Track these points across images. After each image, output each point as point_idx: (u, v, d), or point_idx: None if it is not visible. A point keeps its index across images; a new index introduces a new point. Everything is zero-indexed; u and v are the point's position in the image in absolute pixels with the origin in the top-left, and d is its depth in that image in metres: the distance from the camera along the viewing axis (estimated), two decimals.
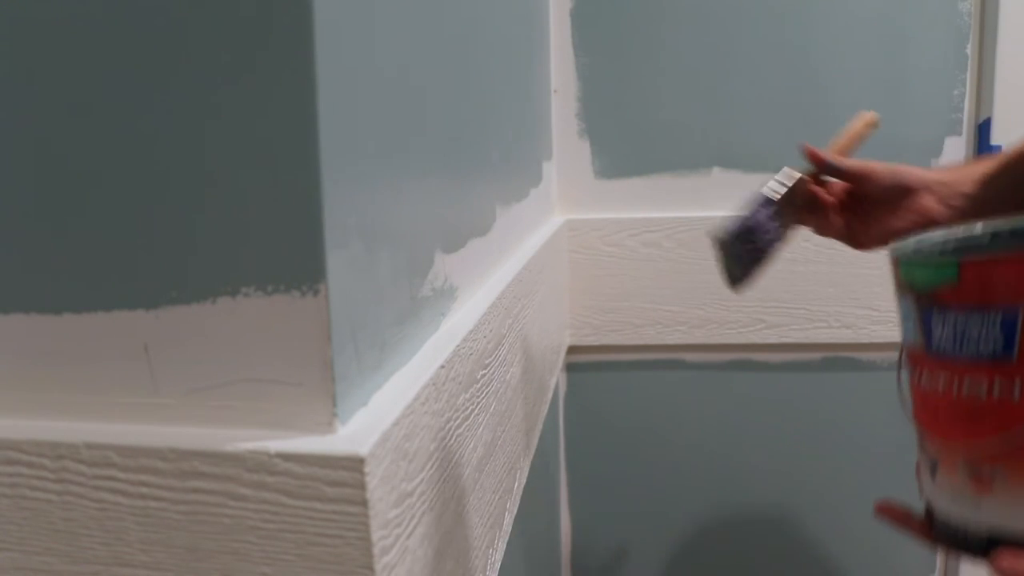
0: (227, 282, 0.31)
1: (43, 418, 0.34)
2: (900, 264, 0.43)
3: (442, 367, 0.42)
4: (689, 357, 1.22)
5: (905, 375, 0.46)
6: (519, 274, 0.70)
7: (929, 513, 0.44)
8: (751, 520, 1.27)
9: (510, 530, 0.66)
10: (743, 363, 1.21)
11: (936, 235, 0.47)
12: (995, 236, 0.43)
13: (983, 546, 0.40)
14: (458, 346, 0.46)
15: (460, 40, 0.55)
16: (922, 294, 0.41)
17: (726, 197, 1.16)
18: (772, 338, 1.18)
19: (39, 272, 0.33)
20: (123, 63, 0.30)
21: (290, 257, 0.31)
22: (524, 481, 0.75)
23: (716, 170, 1.16)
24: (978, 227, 0.45)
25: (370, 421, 0.33)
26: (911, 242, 0.46)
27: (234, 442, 0.31)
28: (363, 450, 0.30)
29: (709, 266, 1.16)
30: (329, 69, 0.31)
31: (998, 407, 0.39)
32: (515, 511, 0.70)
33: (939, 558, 1.25)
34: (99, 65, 0.30)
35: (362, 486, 0.30)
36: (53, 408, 0.34)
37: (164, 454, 0.31)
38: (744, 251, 0.64)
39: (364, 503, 0.31)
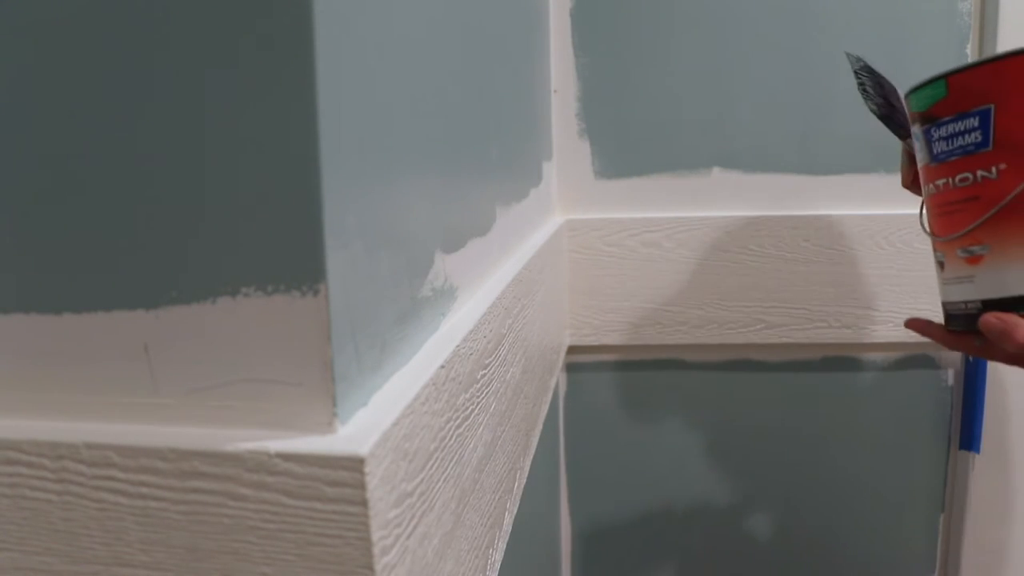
0: (227, 282, 0.31)
1: (43, 418, 0.34)
2: (909, 98, 0.53)
3: (442, 367, 0.42)
4: (689, 357, 1.22)
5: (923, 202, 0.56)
6: (519, 274, 0.70)
7: (945, 313, 0.54)
8: (751, 519, 1.27)
9: (510, 530, 0.66)
10: (743, 363, 1.21)
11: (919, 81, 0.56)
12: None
13: (980, 315, 0.50)
14: (458, 346, 0.46)
15: (460, 40, 0.55)
16: (923, 115, 0.51)
17: (726, 197, 1.16)
18: (772, 338, 1.18)
19: (39, 272, 0.33)
20: (122, 61, 0.30)
21: (290, 257, 0.31)
22: (524, 481, 0.75)
23: (716, 170, 1.16)
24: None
25: (370, 421, 0.33)
26: (913, 86, 0.55)
27: (234, 442, 0.31)
28: (363, 450, 0.30)
29: (709, 266, 1.16)
30: (329, 69, 0.31)
31: (983, 189, 0.49)
32: (515, 511, 0.70)
33: (939, 558, 1.25)
34: (98, 63, 0.30)
35: (362, 486, 0.31)
36: (53, 408, 0.34)
37: (164, 454, 0.31)
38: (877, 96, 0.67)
39: (364, 503, 0.31)
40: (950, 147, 0.50)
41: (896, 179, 1.13)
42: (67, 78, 0.31)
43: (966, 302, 0.51)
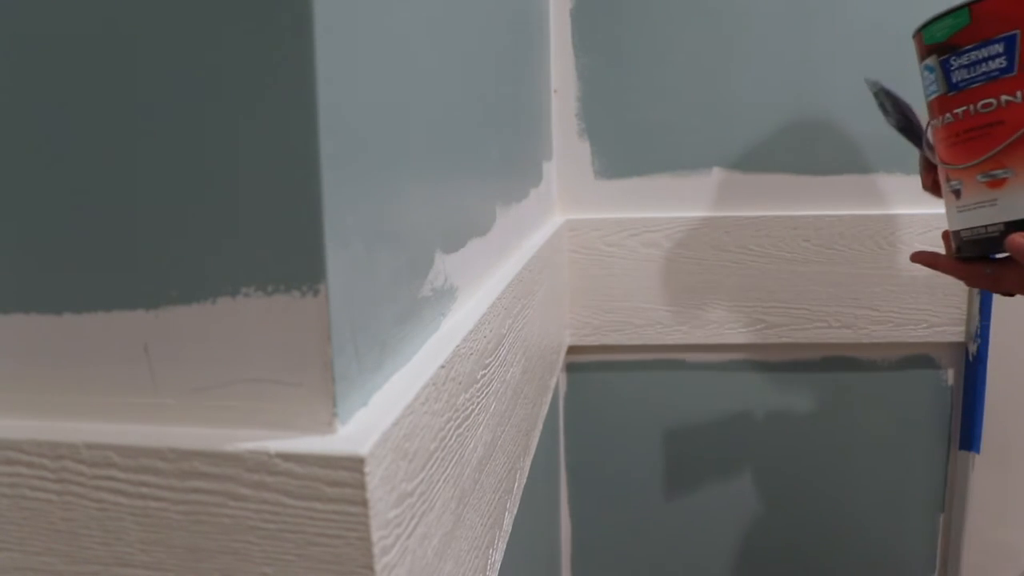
0: (227, 282, 0.31)
1: (43, 418, 0.34)
2: (923, 32, 0.54)
3: (442, 367, 0.42)
4: (689, 357, 1.22)
5: (929, 135, 0.58)
6: (519, 274, 0.70)
7: (957, 242, 0.55)
8: (751, 519, 1.27)
9: (510, 530, 0.66)
10: (743, 363, 1.21)
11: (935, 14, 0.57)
12: None
13: (1000, 238, 0.51)
14: (458, 346, 0.46)
15: (460, 40, 0.55)
16: (942, 45, 0.52)
17: (726, 197, 1.16)
18: (772, 338, 1.18)
19: (39, 272, 0.33)
20: (123, 61, 0.30)
21: (290, 257, 0.31)
22: (524, 481, 0.75)
23: (716, 170, 1.16)
24: None
25: (370, 421, 0.33)
26: (925, 20, 0.56)
27: (234, 442, 0.31)
28: (363, 450, 0.30)
29: (709, 266, 1.16)
30: (329, 69, 0.31)
31: (1007, 114, 0.50)
32: (515, 511, 0.70)
33: (939, 558, 1.25)
34: (99, 63, 0.30)
35: (362, 486, 0.31)
36: (53, 408, 0.34)
37: (164, 454, 0.31)
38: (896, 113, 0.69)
39: (364, 503, 0.31)
40: (972, 74, 0.51)
41: (896, 179, 1.13)
42: (67, 79, 0.31)
43: (987, 226, 0.52)
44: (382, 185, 0.38)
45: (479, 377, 0.52)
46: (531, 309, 0.78)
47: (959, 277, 0.56)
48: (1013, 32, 0.49)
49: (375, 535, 0.31)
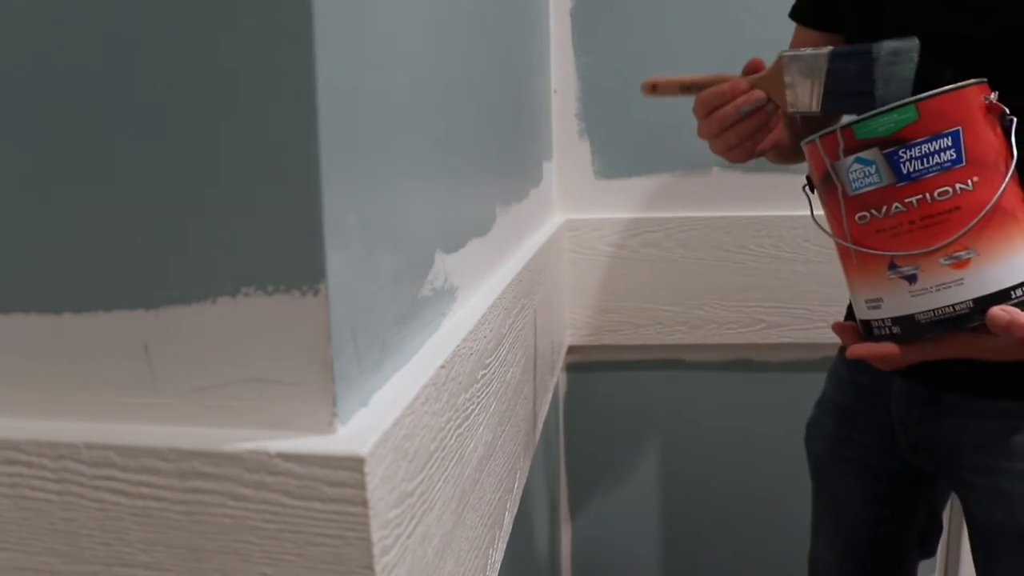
0: (227, 282, 0.31)
1: (43, 418, 0.34)
2: (855, 128, 0.56)
3: (442, 367, 0.42)
4: (689, 357, 1.22)
5: (853, 234, 0.60)
6: (519, 274, 0.70)
7: (906, 325, 0.57)
8: (751, 519, 1.27)
9: (510, 530, 0.66)
10: (743, 363, 1.21)
11: (871, 111, 0.59)
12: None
13: (970, 314, 0.54)
14: (458, 346, 0.46)
15: (461, 41, 0.55)
16: (887, 139, 0.55)
17: (726, 197, 1.16)
18: (772, 338, 1.18)
19: (39, 272, 0.33)
20: (124, 64, 0.30)
21: (290, 257, 0.31)
22: (524, 481, 0.75)
23: (716, 170, 1.16)
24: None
25: (370, 421, 0.33)
26: (857, 117, 0.58)
27: (234, 442, 0.31)
28: (363, 450, 0.30)
29: (709, 266, 1.16)
30: (329, 71, 0.31)
31: (962, 200, 0.54)
32: (515, 511, 0.70)
33: (939, 558, 1.25)
34: (100, 64, 0.30)
35: (362, 486, 0.31)
36: (53, 408, 0.34)
37: (164, 454, 0.31)
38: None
39: (364, 503, 0.31)
40: (926, 165, 0.55)
41: None
42: (71, 80, 0.31)
43: (954, 305, 0.55)
44: (382, 185, 0.38)
45: (479, 377, 0.52)
46: (531, 309, 0.78)
47: (897, 360, 0.58)
48: (956, 128, 0.55)
49: (375, 535, 0.31)
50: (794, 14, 0.83)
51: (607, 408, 1.24)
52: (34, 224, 0.32)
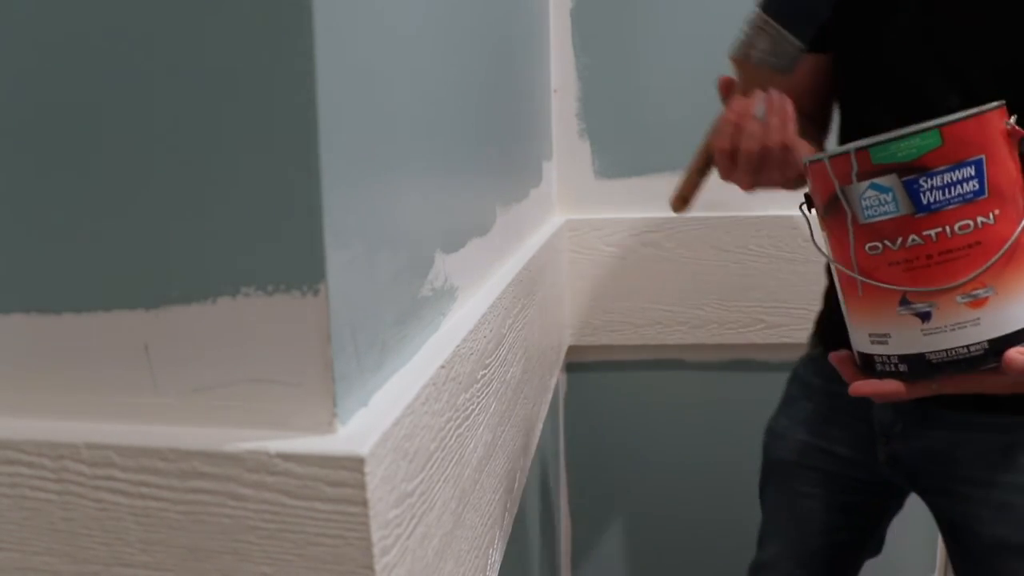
0: (227, 282, 0.31)
1: (43, 418, 0.34)
2: (872, 151, 0.52)
3: (442, 367, 0.42)
4: (689, 357, 1.22)
5: (861, 264, 0.56)
6: (519, 274, 0.70)
7: (914, 364, 0.54)
8: (750, 519, 1.27)
9: (510, 530, 0.66)
10: (743, 363, 1.21)
11: (890, 133, 0.56)
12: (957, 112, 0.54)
13: (984, 356, 0.51)
14: (458, 346, 0.46)
15: (460, 41, 0.55)
16: (908, 165, 0.51)
17: (726, 197, 1.16)
18: (772, 338, 1.18)
19: (39, 272, 0.33)
20: (125, 64, 0.30)
21: (290, 257, 0.31)
22: (524, 481, 0.75)
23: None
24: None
25: (370, 421, 0.33)
26: (874, 138, 0.54)
27: (234, 442, 0.31)
28: (363, 450, 0.31)
29: (709, 266, 1.16)
30: (329, 71, 0.31)
31: (984, 235, 0.51)
32: (515, 511, 0.70)
33: (939, 558, 1.25)
34: (100, 64, 0.30)
35: (362, 486, 0.31)
36: (53, 408, 0.34)
37: (164, 454, 0.31)
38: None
39: (364, 503, 0.31)
40: (948, 196, 0.51)
41: None
42: (68, 79, 0.31)
43: (968, 346, 0.52)
44: (382, 185, 0.38)
45: (479, 377, 0.52)
46: (531, 309, 0.78)
47: (902, 396, 0.56)
48: (980, 156, 0.50)
49: (375, 535, 0.31)
50: None
51: (607, 408, 1.24)
52: (34, 224, 0.32)
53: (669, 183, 1.18)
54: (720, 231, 1.15)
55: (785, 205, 1.16)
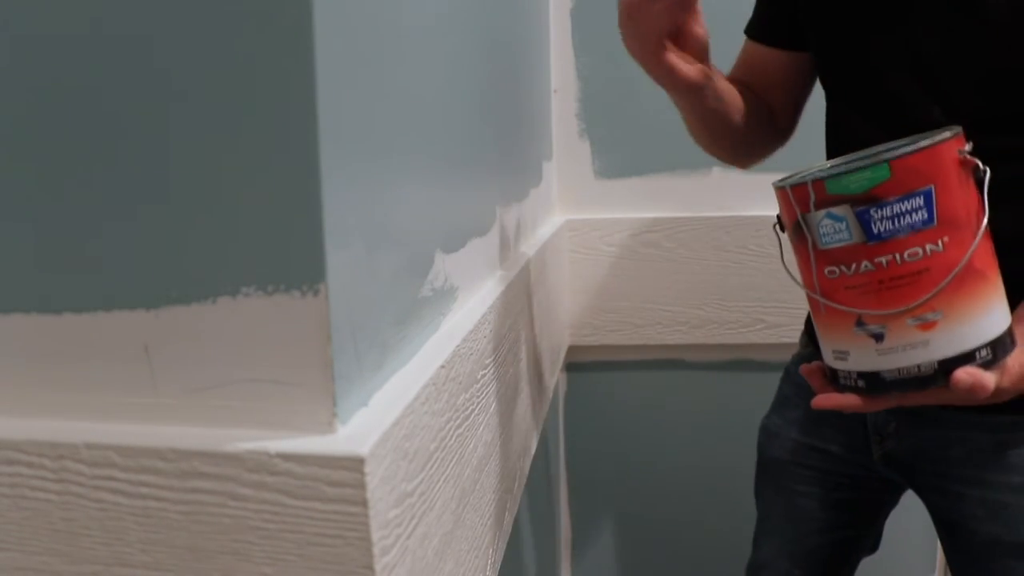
0: (227, 282, 0.31)
1: (43, 418, 0.34)
2: (827, 182, 0.55)
3: (442, 367, 0.42)
4: (689, 357, 1.22)
5: (822, 286, 0.59)
6: (519, 274, 0.70)
7: (869, 380, 0.57)
8: (750, 519, 1.27)
9: (510, 530, 0.66)
10: (743, 363, 1.21)
11: (840, 160, 0.60)
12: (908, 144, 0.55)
13: (934, 376, 0.54)
14: (458, 346, 0.46)
15: (460, 41, 0.55)
16: (860, 197, 0.54)
17: (726, 197, 1.16)
18: (772, 338, 1.18)
19: (39, 272, 0.33)
20: (126, 65, 0.30)
21: (290, 257, 0.31)
22: (524, 481, 0.75)
23: (716, 170, 1.16)
24: (871, 152, 0.59)
25: (370, 421, 0.33)
26: (822, 167, 0.58)
27: (234, 442, 0.31)
28: (363, 450, 0.31)
29: (709, 266, 1.16)
30: (329, 72, 0.31)
31: (932, 262, 0.53)
32: (515, 511, 0.70)
33: (939, 558, 1.25)
34: (101, 66, 0.30)
35: (362, 486, 0.31)
36: (53, 408, 0.34)
37: (164, 454, 0.31)
38: None
39: (364, 503, 0.31)
40: (897, 225, 0.53)
41: None
42: (68, 80, 0.31)
43: (918, 365, 0.55)
44: (382, 185, 0.38)
45: (479, 377, 0.52)
46: (531, 309, 0.78)
47: (861, 410, 0.59)
48: (929, 187, 0.53)
49: (375, 535, 0.31)
50: (749, 30, 0.81)
51: (607, 408, 1.24)
52: (34, 224, 0.32)
53: (669, 183, 1.18)
54: (720, 231, 1.15)
55: None
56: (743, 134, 0.76)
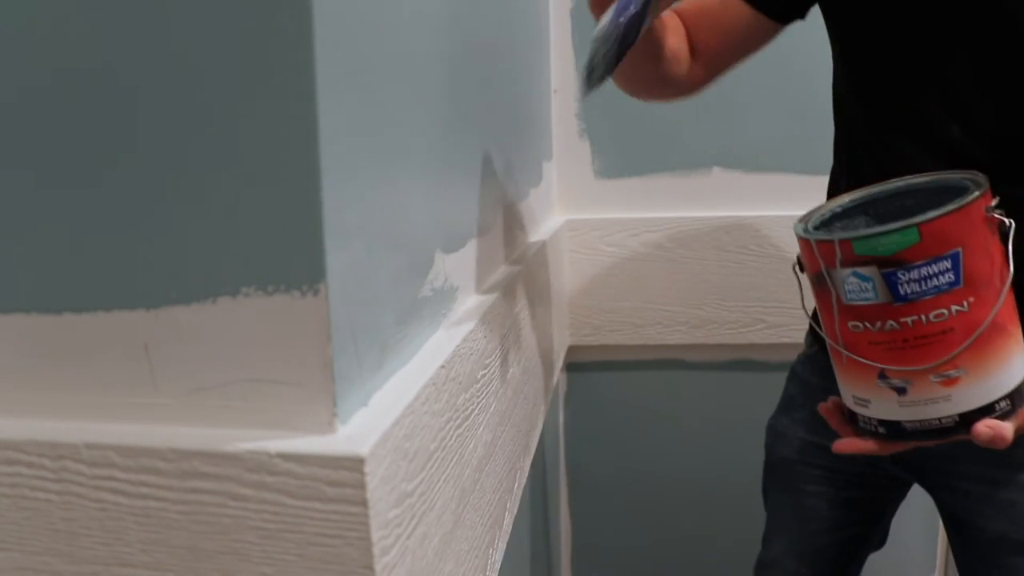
0: (227, 282, 0.31)
1: (43, 418, 0.34)
2: (855, 243, 0.55)
3: (442, 367, 0.42)
4: (689, 357, 1.22)
5: (844, 338, 0.60)
6: (519, 274, 0.70)
7: (890, 428, 0.58)
8: (751, 519, 1.27)
9: (510, 530, 0.66)
10: (743, 363, 1.21)
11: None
12: (937, 197, 0.56)
13: (955, 427, 0.56)
14: (458, 346, 0.46)
15: (460, 42, 0.55)
16: (887, 259, 0.54)
17: (726, 197, 1.16)
18: (772, 338, 1.18)
19: (39, 272, 0.33)
20: (124, 66, 0.30)
21: (290, 257, 0.31)
22: (524, 481, 0.75)
23: (716, 170, 1.16)
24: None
25: (370, 421, 0.33)
26: (857, 232, 0.57)
27: (234, 442, 0.31)
28: (363, 450, 0.31)
29: (709, 266, 1.16)
30: (329, 72, 0.31)
31: (957, 321, 0.54)
32: (515, 511, 0.70)
33: (939, 558, 1.25)
34: (101, 67, 0.30)
35: (362, 486, 0.31)
36: (53, 408, 0.34)
37: (164, 454, 0.31)
38: (617, 50, 0.61)
39: (364, 503, 0.31)
40: (923, 288, 0.54)
41: None
42: (68, 80, 0.31)
43: (940, 418, 0.56)
44: (382, 185, 0.38)
45: (479, 377, 0.52)
46: (531, 309, 0.78)
47: (880, 453, 0.61)
48: (957, 249, 0.53)
49: (375, 535, 0.31)
50: None
51: (607, 408, 1.24)
52: (34, 224, 0.32)
53: (669, 183, 1.18)
54: (720, 231, 1.15)
55: (785, 206, 1.16)
56: (657, 78, 0.72)
